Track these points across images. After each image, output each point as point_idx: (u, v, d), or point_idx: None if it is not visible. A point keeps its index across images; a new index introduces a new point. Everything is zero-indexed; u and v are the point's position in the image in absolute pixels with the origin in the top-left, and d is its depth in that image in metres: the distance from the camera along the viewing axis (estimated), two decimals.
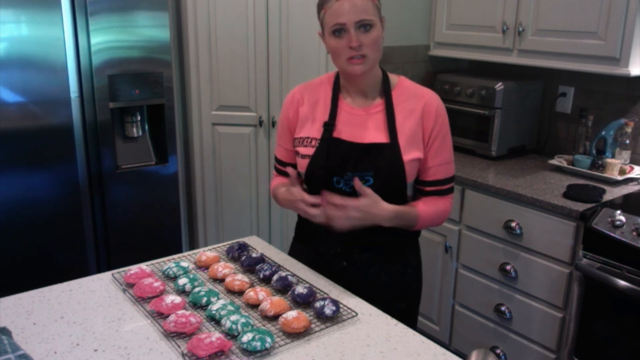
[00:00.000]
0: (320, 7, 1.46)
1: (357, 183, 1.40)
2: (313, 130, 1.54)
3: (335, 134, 1.52)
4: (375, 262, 1.57)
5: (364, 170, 1.48)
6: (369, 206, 1.41)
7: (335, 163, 1.49)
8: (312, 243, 1.63)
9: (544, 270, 2.25)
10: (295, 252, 1.71)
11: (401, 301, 1.60)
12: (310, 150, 1.53)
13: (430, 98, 1.53)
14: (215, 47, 2.81)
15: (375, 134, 1.50)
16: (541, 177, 2.49)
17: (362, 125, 1.51)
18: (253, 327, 1.25)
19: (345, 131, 1.51)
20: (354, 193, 1.48)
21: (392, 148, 1.47)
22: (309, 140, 1.54)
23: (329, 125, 1.52)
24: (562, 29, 2.43)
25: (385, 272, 1.58)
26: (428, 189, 1.55)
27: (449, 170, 1.57)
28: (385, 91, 1.53)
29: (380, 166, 1.47)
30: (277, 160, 1.70)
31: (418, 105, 1.51)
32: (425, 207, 1.53)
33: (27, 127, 2.22)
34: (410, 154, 1.48)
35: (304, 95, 1.59)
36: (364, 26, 1.40)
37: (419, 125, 1.50)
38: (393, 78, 1.56)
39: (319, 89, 1.59)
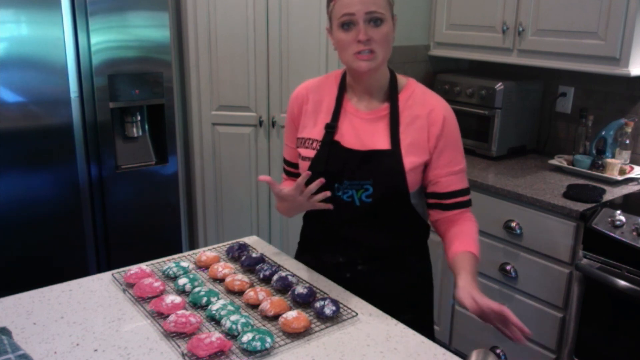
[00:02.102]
0: None
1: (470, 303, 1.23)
2: (315, 131, 1.49)
3: (337, 137, 1.46)
4: (379, 272, 1.51)
5: (363, 178, 1.42)
6: (474, 294, 1.24)
7: (335, 169, 1.43)
8: (315, 252, 1.58)
9: (544, 270, 2.24)
10: (299, 259, 1.66)
11: (407, 313, 1.50)
12: (311, 153, 1.47)
13: (438, 106, 1.45)
14: (215, 47, 2.81)
15: (377, 140, 1.43)
16: (541, 177, 2.49)
17: (365, 129, 1.45)
18: (253, 327, 1.25)
19: (347, 135, 1.46)
20: (352, 203, 1.44)
21: (392, 155, 1.41)
22: (310, 142, 1.49)
23: (331, 128, 1.46)
24: (562, 29, 2.43)
25: (390, 283, 1.52)
26: (448, 201, 1.46)
27: (465, 180, 1.50)
28: (392, 94, 1.46)
29: (380, 175, 1.41)
30: (286, 162, 1.63)
31: (424, 112, 1.43)
32: (468, 242, 1.41)
33: (27, 127, 2.22)
34: (412, 162, 1.41)
35: (309, 94, 1.54)
36: (374, 20, 1.33)
37: (423, 131, 1.43)
38: (401, 80, 1.49)
39: (325, 88, 1.53)
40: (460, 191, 1.48)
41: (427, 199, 1.51)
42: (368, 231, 1.47)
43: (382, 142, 1.43)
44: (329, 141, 1.46)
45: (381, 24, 1.35)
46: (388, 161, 1.41)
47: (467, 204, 1.49)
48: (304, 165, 1.49)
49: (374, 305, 1.42)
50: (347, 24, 1.35)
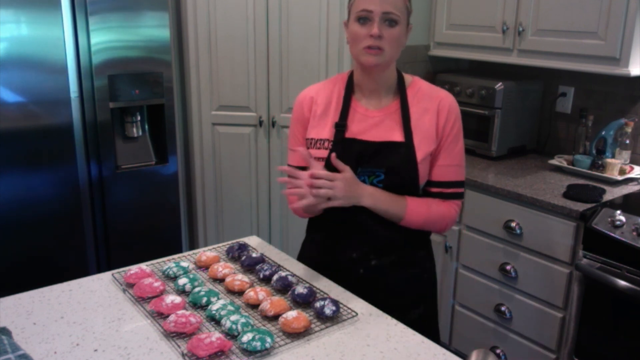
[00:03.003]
0: None
1: (334, 158, 1.40)
2: (325, 131, 1.52)
3: (348, 135, 1.49)
4: (392, 268, 1.53)
5: (376, 167, 1.46)
6: (352, 178, 1.41)
7: (350, 163, 1.45)
8: (326, 250, 1.58)
9: (544, 270, 2.24)
10: (307, 256, 1.65)
11: (418, 307, 1.57)
12: (323, 153, 1.49)
13: (445, 97, 1.52)
14: (215, 47, 2.81)
15: (390, 133, 1.48)
16: (541, 177, 2.49)
17: (377, 126, 1.49)
18: (253, 327, 1.25)
19: (359, 131, 1.49)
20: None
21: (406, 147, 1.46)
22: (322, 142, 1.51)
23: (341, 126, 1.49)
24: (562, 29, 2.43)
25: (403, 278, 1.55)
26: (432, 189, 1.52)
27: (458, 174, 1.53)
28: (400, 91, 1.51)
29: (394, 165, 1.45)
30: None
31: (432, 105, 1.49)
32: (415, 203, 1.48)
33: (27, 127, 2.22)
34: (423, 152, 1.46)
35: (317, 95, 1.56)
36: (390, 20, 1.40)
37: (432, 122, 1.48)
38: (407, 78, 1.55)
39: (332, 90, 1.56)
40: (447, 182, 1.51)
41: None
42: (380, 223, 1.49)
43: (394, 134, 1.48)
44: (341, 139, 1.49)
45: (395, 25, 1.41)
46: (402, 152, 1.46)
47: (448, 196, 1.52)
48: (316, 166, 1.50)
49: (387, 300, 1.44)
50: (363, 19, 1.41)
